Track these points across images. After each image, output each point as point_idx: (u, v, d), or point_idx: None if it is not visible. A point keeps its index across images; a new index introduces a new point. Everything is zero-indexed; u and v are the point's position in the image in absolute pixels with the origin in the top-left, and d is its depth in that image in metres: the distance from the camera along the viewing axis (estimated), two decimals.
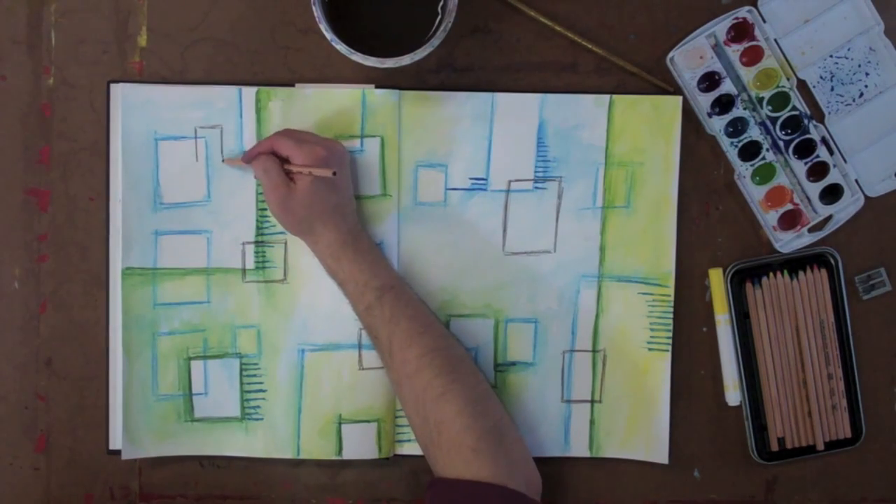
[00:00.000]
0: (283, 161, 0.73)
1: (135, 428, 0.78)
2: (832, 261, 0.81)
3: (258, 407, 0.79)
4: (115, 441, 0.79)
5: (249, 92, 0.78)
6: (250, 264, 0.79)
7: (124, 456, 0.78)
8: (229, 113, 0.78)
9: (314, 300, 0.79)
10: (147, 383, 0.78)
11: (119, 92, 0.78)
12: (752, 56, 0.79)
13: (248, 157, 0.76)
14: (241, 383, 0.79)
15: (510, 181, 0.80)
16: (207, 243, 0.78)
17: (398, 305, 0.73)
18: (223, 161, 0.78)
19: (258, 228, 0.79)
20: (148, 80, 0.79)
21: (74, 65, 0.79)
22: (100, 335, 0.79)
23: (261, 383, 0.79)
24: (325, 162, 0.72)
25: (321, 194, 0.73)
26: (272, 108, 0.78)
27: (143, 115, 0.78)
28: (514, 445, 0.73)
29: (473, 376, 0.73)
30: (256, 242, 0.79)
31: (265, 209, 0.78)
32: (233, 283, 0.79)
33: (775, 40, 0.79)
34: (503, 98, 0.79)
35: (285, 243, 0.79)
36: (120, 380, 0.78)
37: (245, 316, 0.79)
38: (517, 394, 0.81)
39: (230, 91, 0.78)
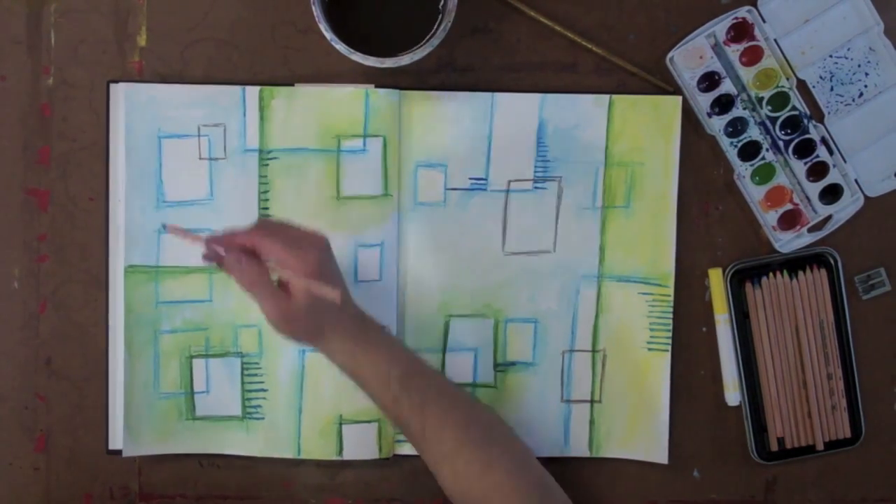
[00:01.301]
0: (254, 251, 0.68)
1: (136, 426, 0.78)
2: (832, 261, 0.81)
3: (259, 406, 0.79)
4: (115, 441, 0.79)
5: (253, 90, 0.78)
6: None
7: (125, 453, 0.78)
8: (232, 111, 0.78)
9: None
10: (149, 381, 0.78)
11: (120, 91, 0.78)
12: (752, 56, 0.79)
13: (214, 249, 0.68)
14: (243, 382, 0.79)
15: (510, 181, 0.80)
16: None
17: (423, 388, 0.71)
18: (165, 227, 0.72)
19: None
20: (148, 80, 0.79)
21: (74, 65, 0.79)
22: (100, 335, 0.79)
23: (262, 383, 0.79)
24: (321, 263, 0.67)
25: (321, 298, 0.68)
26: (275, 107, 0.78)
27: (146, 113, 0.78)
28: (557, 496, 0.72)
29: (510, 438, 0.73)
30: None
31: (267, 208, 0.78)
32: (234, 282, 0.79)
33: (775, 40, 0.79)
34: (503, 98, 0.79)
35: None
36: (121, 378, 0.78)
37: (246, 315, 0.79)
38: (517, 394, 0.81)
39: (233, 89, 0.78)
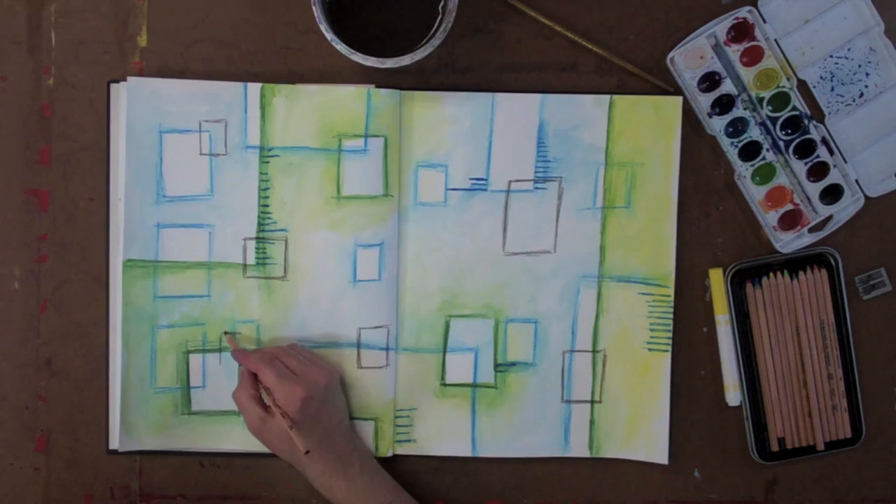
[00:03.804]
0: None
1: (132, 420, 0.78)
2: (832, 261, 0.81)
3: None
4: (115, 441, 0.79)
5: (254, 87, 0.78)
6: (251, 260, 0.79)
7: (121, 448, 0.78)
8: (234, 107, 0.78)
9: (314, 298, 0.79)
10: (145, 376, 0.78)
11: (121, 90, 0.78)
12: (753, 56, 0.79)
13: (238, 358, 0.76)
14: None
15: (510, 181, 0.80)
16: (209, 237, 0.78)
17: None
18: (224, 335, 0.79)
19: (259, 224, 0.79)
20: None
21: (74, 65, 0.79)
22: (100, 335, 0.79)
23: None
24: (304, 404, 0.71)
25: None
26: (277, 105, 0.78)
27: (148, 107, 0.78)
28: None
29: None
30: (257, 238, 0.79)
31: (266, 206, 0.78)
32: (233, 278, 0.79)
33: (775, 40, 0.79)
34: (503, 98, 0.79)
35: (286, 240, 0.79)
36: (118, 372, 0.78)
37: (245, 311, 0.79)
38: (517, 394, 0.81)
39: (235, 86, 0.78)
